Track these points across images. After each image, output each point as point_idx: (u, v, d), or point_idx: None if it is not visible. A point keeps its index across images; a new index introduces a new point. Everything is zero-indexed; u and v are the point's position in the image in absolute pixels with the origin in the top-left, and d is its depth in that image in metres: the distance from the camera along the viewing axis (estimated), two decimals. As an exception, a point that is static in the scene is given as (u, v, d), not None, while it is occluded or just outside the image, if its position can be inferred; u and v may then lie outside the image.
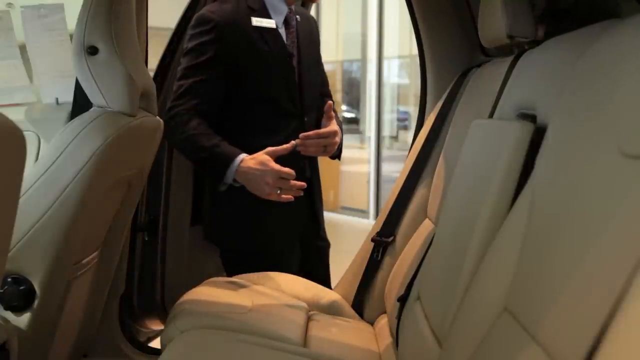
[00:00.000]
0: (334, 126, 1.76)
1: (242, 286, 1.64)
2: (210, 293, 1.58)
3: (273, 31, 1.77)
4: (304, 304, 1.64)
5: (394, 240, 1.77)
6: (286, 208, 1.70)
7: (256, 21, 1.74)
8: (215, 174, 1.70)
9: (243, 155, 1.65)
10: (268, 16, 1.77)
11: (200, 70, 1.70)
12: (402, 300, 1.44)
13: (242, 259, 1.83)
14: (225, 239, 1.85)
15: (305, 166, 1.84)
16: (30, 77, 1.86)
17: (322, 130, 1.73)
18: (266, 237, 1.81)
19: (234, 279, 1.71)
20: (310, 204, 1.89)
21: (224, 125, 1.76)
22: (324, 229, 2.01)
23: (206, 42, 1.70)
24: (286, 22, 1.81)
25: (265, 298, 1.59)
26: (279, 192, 1.64)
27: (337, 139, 1.76)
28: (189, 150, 1.73)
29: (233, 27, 1.71)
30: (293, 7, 1.85)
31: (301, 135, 1.69)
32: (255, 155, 1.64)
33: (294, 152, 1.69)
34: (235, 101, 1.76)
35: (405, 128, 6.72)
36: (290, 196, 1.64)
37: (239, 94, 1.76)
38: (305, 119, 1.83)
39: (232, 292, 1.59)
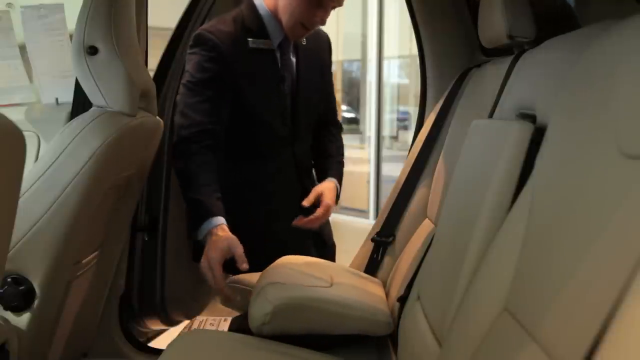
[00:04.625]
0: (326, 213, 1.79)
1: (317, 264, 1.66)
2: (291, 269, 1.56)
3: (269, 53, 1.74)
4: (378, 280, 1.71)
5: (394, 240, 1.77)
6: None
7: (252, 43, 1.71)
8: (194, 222, 1.61)
9: (218, 223, 1.55)
10: (265, 36, 1.73)
11: (204, 89, 1.67)
12: (402, 300, 1.44)
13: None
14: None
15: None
16: (30, 77, 1.86)
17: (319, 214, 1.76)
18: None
19: (304, 257, 1.69)
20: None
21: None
22: (329, 231, 2.03)
23: (206, 60, 1.67)
24: (280, 46, 1.76)
25: (343, 275, 1.61)
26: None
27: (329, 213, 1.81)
28: (185, 184, 1.66)
29: (231, 48, 1.68)
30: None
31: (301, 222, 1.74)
32: (226, 236, 1.53)
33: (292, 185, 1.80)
34: (233, 124, 1.73)
35: (405, 128, 6.73)
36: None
37: (236, 116, 1.73)
38: (295, 149, 1.81)
39: (311, 268, 1.59)
